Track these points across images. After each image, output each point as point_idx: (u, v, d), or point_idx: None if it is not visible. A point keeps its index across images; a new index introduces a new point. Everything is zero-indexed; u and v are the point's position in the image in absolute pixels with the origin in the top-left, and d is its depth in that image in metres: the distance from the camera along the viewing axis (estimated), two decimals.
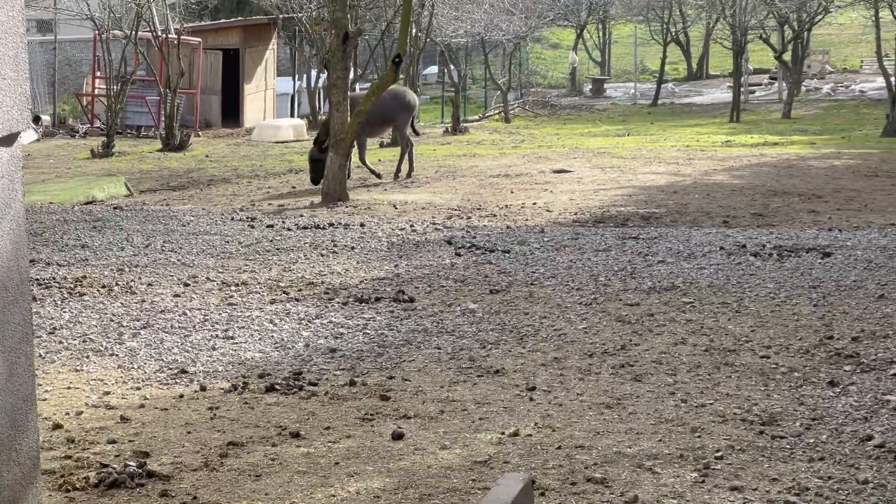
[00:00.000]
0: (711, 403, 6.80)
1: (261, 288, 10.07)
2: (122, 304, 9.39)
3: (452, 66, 43.87)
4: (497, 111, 44.91)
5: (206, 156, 27.18)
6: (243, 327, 8.68)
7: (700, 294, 9.69)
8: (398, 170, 21.20)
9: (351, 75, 35.32)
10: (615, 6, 58.69)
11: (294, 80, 41.40)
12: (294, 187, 20.04)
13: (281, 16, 36.80)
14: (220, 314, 9.07)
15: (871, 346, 7.98)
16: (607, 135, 35.16)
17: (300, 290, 10.01)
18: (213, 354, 7.96)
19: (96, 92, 33.17)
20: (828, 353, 7.81)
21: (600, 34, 60.99)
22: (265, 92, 38.57)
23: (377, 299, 9.60)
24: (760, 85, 52.25)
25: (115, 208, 15.82)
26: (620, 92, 55.26)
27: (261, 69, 38.16)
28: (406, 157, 21.27)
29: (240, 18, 39.20)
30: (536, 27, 48.87)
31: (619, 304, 9.34)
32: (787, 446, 6.05)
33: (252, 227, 13.71)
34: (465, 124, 38.38)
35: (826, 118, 38.92)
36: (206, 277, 10.42)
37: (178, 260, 11.29)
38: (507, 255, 11.59)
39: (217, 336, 8.43)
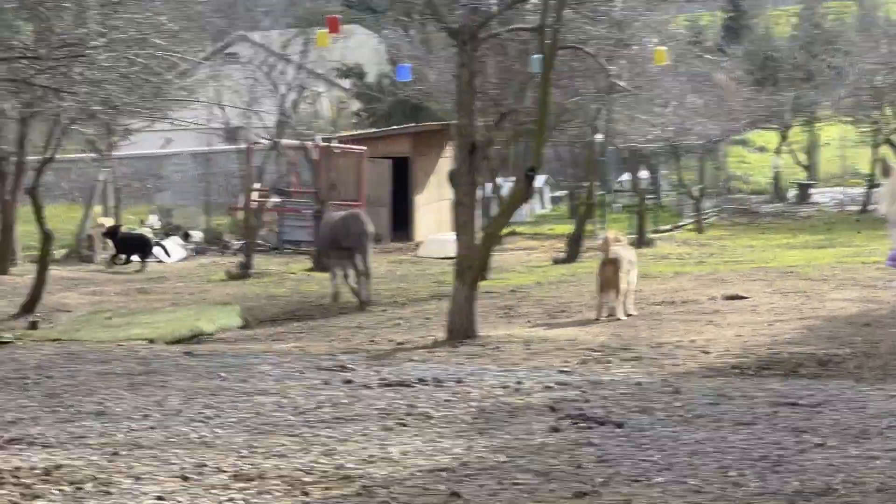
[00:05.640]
0: None
1: (278, 485, 7.63)
2: None
3: (645, 173, 41.53)
4: (691, 220, 42.23)
5: None
6: None
7: None
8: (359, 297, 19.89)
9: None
10: (821, 106, 55.35)
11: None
12: (427, 318, 17.69)
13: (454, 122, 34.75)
14: None
15: None
16: (806, 246, 32.10)
17: (326, 489, 7.54)
18: None
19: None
20: None
21: (807, 136, 57.79)
22: (440, 203, 36.45)
23: None
24: None
25: (185, 353, 13.64)
26: (828, 197, 51.95)
27: (434, 178, 36.09)
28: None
29: (410, 125, 37.13)
30: (732, 131, 46.11)
31: None
32: None
33: (327, 383, 11.33)
34: (653, 235, 35.97)
35: None
36: (218, 467, 8.03)
37: (199, 437, 8.93)
38: (617, 430, 8.96)
39: None
